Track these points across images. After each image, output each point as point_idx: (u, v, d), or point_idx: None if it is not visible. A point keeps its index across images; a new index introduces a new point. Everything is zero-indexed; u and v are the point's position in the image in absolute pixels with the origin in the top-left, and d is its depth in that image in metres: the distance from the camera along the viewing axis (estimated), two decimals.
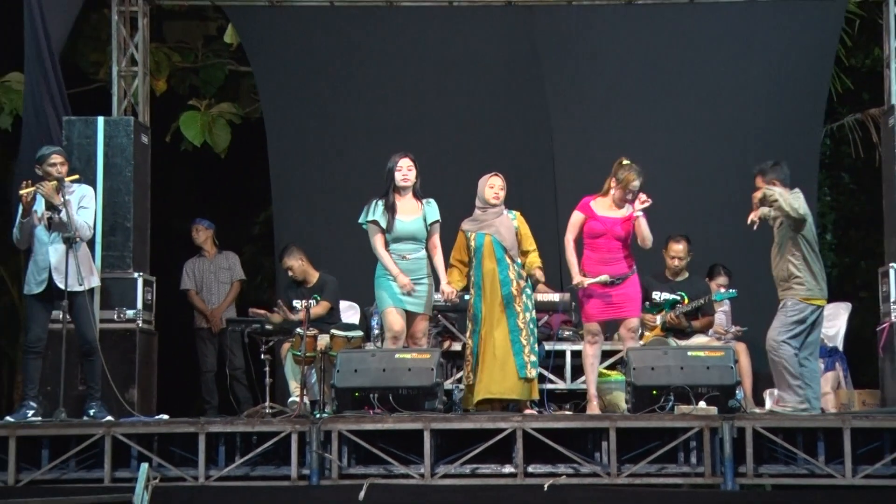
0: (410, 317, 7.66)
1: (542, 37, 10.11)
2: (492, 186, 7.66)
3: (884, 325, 8.46)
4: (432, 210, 7.70)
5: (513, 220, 7.72)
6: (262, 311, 8.53)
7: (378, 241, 7.66)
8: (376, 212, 7.65)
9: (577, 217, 7.69)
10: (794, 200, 7.26)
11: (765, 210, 7.33)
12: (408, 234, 7.64)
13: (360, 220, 7.74)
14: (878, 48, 10.54)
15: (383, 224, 7.62)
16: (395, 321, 7.59)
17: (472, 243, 7.65)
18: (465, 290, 7.86)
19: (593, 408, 7.64)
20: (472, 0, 9.76)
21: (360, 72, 10.20)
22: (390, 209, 7.63)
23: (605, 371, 8.19)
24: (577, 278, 7.60)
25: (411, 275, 7.60)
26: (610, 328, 8.04)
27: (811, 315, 7.39)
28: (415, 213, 7.68)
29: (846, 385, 8.90)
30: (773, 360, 7.50)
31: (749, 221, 7.37)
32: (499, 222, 7.65)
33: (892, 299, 8.32)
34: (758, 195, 7.35)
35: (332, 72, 10.22)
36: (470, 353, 7.66)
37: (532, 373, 7.55)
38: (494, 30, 10.12)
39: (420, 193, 7.75)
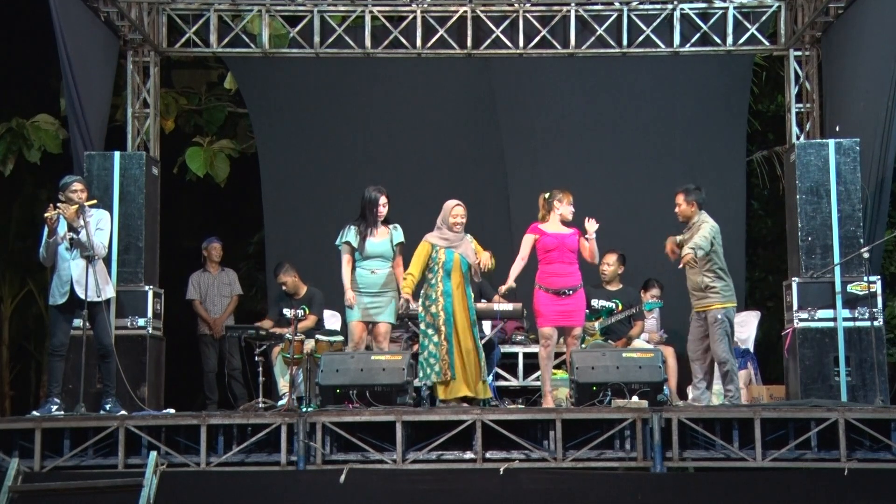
0: (375, 322, 7.61)
1: (498, 83, 10.13)
2: (455, 216, 7.57)
3: (788, 331, 8.48)
4: (398, 234, 7.70)
5: (471, 243, 7.62)
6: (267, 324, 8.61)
7: (345, 261, 7.63)
8: (349, 235, 7.63)
9: (528, 239, 7.66)
10: (701, 242, 7.36)
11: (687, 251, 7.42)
12: (376, 254, 7.61)
13: (336, 243, 7.71)
14: (781, 96, 10.64)
15: (355, 244, 7.59)
16: (356, 332, 7.57)
17: (442, 257, 7.49)
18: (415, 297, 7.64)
19: (548, 402, 7.58)
20: (438, 52, 9.75)
21: (341, 113, 10.19)
22: (362, 233, 7.60)
23: (552, 370, 8.14)
24: (507, 284, 7.62)
25: (378, 287, 7.56)
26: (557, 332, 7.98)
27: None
28: (383, 236, 7.66)
29: (756, 381, 8.92)
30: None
31: (682, 265, 7.45)
32: (464, 245, 7.58)
33: (795, 308, 8.34)
34: (671, 248, 7.54)
35: (317, 113, 10.21)
36: (446, 351, 7.34)
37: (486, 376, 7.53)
38: (457, 77, 10.14)
39: (388, 219, 7.73)
